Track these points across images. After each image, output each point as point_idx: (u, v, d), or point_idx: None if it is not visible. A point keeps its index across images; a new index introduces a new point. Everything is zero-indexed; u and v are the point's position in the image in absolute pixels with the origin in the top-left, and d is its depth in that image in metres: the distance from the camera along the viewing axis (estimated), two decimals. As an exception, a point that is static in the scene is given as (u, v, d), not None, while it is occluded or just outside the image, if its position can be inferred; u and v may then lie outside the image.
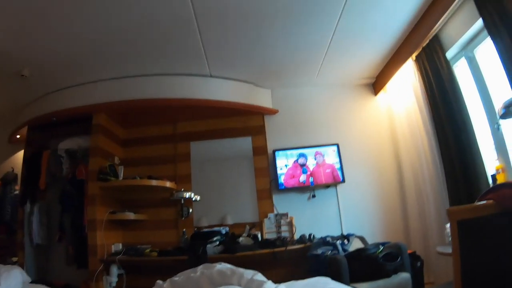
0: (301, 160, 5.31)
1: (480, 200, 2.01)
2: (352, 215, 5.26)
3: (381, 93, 5.71)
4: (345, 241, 4.55)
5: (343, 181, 5.25)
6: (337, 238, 4.65)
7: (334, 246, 4.27)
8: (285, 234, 5.04)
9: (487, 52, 3.67)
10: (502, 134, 3.56)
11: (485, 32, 3.33)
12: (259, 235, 4.86)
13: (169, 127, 5.66)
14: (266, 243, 4.57)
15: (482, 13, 3.19)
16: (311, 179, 5.22)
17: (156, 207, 5.28)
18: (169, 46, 4.44)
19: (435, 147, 4.32)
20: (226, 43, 4.46)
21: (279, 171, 5.27)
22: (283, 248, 4.42)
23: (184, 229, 4.96)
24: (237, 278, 2.13)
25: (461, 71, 4.12)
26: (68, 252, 5.02)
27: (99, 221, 4.63)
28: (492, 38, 3.14)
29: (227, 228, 4.93)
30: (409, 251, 4.07)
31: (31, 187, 5.23)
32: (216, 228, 4.88)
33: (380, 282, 3.56)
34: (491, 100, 3.68)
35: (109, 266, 4.59)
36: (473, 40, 3.82)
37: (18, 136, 5.91)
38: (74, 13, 3.60)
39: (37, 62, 4.48)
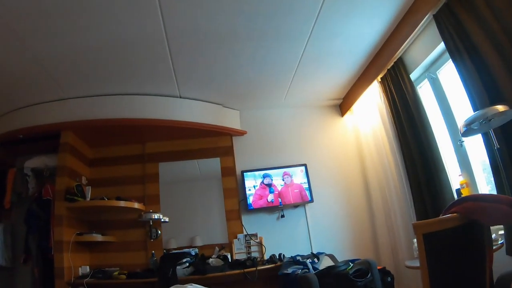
0: (266, 180, 5.35)
1: (445, 214, 2.08)
2: (322, 233, 5.31)
3: (348, 114, 5.86)
4: (315, 259, 4.59)
5: (312, 200, 5.32)
6: (307, 257, 4.69)
7: (304, 265, 4.30)
8: (255, 254, 5.04)
9: (449, 73, 3.86)
10: (465, 151, 3.74)
11: (447, 54, 3.48)
12: (229, 256, 4.84)
13: (137, 147, 5.60)
14: (236, 263, 4.55)
15: (444, 37, 3.35)
16: (279, 200, 5.25)
17: (124, 229, 5.18)
18: (139, 67, 4.44)
19: (400, 165, 4.46)
20: (196, 64, 4.50)
21: (247, 192, 5.29)
22: (253, 268, 4.41)
23: (153, 251, 4.88)
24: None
25: (424, 92, 4.32)
26: (34, 275, 4.86)
27: (66, 243, 4.49)
28: (453, 60, 3.29)
29: (197, 250, 4.90)
30: (379, 267, 4.12)
31: (-4, 206, 5.07)
32: (185, 250, 4.84)
33: (352, 298, 3.61)
34: (453, 119, 3.87)
35: (76, 289, 4.48)
36: (436, 62, 4.01)
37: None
38: (43, 30, 3.57)
39: (2, 79, 4.39)
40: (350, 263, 4.02)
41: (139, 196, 5.29)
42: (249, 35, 3.99)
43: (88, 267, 4.75)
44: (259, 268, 4.45)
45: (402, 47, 4.09)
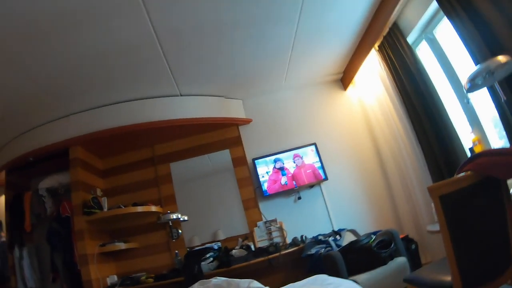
0: (278, 165, 5.34)
1: (459, 173, 2.05)
2: (340, 210, 5.29)
3: (350, 87, 5.81)
4: (337, 236, 4.60)
5: (326, 178, 5.30)
6: (329, 235, 4.71)
7: (327, 243, 4.31)
8: (277, 239, 5.05)
9: (446, 31, 3.79)
10: (472, 107, 3.68)
11: (441, 12, 3.42)
12: (252, 245, 4.85)
13: (147, 151, 5.61)
14: (260, 251, 4.58)
15: (436, -5, 3.29)
16: (293, 182, 5.25)
17: (145, 233, 5.22)
18: (136, 71, 4.43)
19: (410, 131, 4.42)
20: (190, 60, 4.48)
21: (261, 179, 5.29)
22: (277, 254, 4.44)
23: (177, 251, 4.93)
24: (234, 288, 2.13)
25: (424, 53, 4.23)
26: (64, 292, 4.94)
27: (90, 256, 4.55)
28: (449, 18, 3.23)
29: (219, 243, 4.93)
30: (401, 236, 4.14)
31: (17, 231, 5.11)
32: (208, 245, 4.87)
33: (378, 270, 3.62)
34: (457, 77, 3.81)
35: (107, 299, 4.53)
36: (431, 22, 3.94)
37: (-4, 181, 5.78)
38: (36, 51, 3.57)
39: (5, 104, 4.41)
40: (372, 236, 4.03)
41: (155, 199, 5.33)
42: (238, 23, 3.95)
43: (115, 276, 4.80)
44: (282, 252, 4.47)
45: (395, 11, 4.00)
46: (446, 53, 3.91)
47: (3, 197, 5.55)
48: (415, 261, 4.13)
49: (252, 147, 5.58)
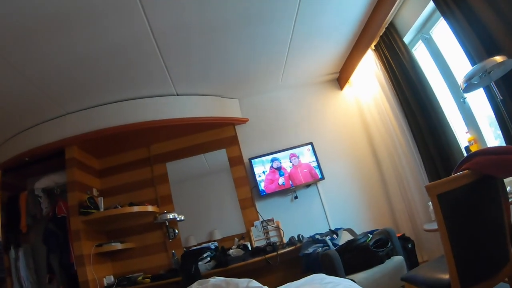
0: (275, 164, 5.35)
1: (456, 172, 2.06)
2: (337, 209, 5.31)
3: (347, 87, 5.82)
4: (334, 236, 4.61)
5: (323, 178, 5.31)
6: (326, 234, 4.72)
7: (324, 243, 4.32)
8: (274, 239, 5.06)
9: (443, 31, 3.82)
10: (469, 107, 3.72)
11: (438, 13, 3.45)
12: (249, 245, 4.86)
13: (143, 151, 5.60)
14: (257, 251, 4.58)
15: (432, -5, 3.31)
16: (290, 182, 5.25)
17: (142, 233, 5.21)
18: (132, 71, 4.43)
19: (406, 130, 4.46)
20: (187, 60, 4.48)
21: (258, 178, 5.29)
22: (274, 253, 4.44)
23: (174, 251, 4.93)
24: (232, 288, 2.13)
25: (420, 53, 4.26)
26: (60, 293, 4.93)
27: (87, 256, 4.53)
28: (445, 18, 3.26)
29: (216, 243, 4.93)
30: (398, 235, 4.15)
31: (13, 232, 5.07)
32: (204, 245, 4.87)
33: (375, 269, 3.63)
34: (453, 76, 3.84)
35: (104, 300, 4.52)
36: (428, 22, 3.97)
37: (-9, 182, 5.75)
38: (31, 50, 3.56)
39: (2, 102, 4.38)
40: (369, 235, 4.04)
41: (152, 198, 5.32)
42: (235, 22, 3.96)
43: (112, 276, 4.79)
44: (279, 252, 4.47)
45: (392, 11, 4.03)
46: (443, 53, 3.93)
47: (-2, 198, 5.53)
48: (412, 260, 4.14)
49: (248, 146, 5.58)
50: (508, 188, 2.24)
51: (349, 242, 3.96)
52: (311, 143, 5.47)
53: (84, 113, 4.92)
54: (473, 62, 3.05)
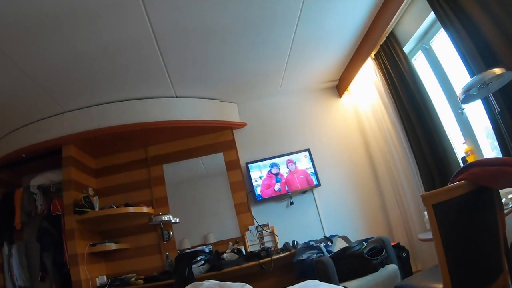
0: (274, 170, 5.35)
1: (452, 182, 2.07)
2: (332, 216, 5.32)
3: (346, 94, 5.83)
4: (329, 242, 4.61)
5: (319, 184, 5.31)
6: (321, 241, 4.72)
7: (319, 249, 4.32)
8: (268, 244, 5.05)
9: (442, 42, 3.84)
10: (466, 118, 3.74)
11: (438, 23, 3.46)
12: (243, 249, 4.85)
13: (140, 152, 5.59)
14: (251, 255, 4.57)
15: (434, 6, 3.33)
16: (286, 188, 5.26)
17: (136, 234, 5.20)
18: (132, 71, 4.43)
19: (403, 139, 4.47)
20: (187, 62, 4.49)
21: (254, 183, 5.29)
22: (268, 259, 4.44)
23: (168, 253, 4.92)
24: (226, 292, 2.13)
25: (419, 64, 4.28)
26: (52, 291, 4.91)
27: (80, 255, 4.51)
28: (445, 29, 3.27)
29: (210, 247, 4.91)
30: (393, 243, 4.16)
31: (7, 229, 5.06)
32: (199, 248, 4.85)
33: (369, 277, 3.64)
34: (451, 87, 3.86)
35: (96, 300, 4.50)
36: (428, 33, 3.99)
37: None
38: (31, 47, 3.55)
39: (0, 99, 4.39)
40: (364, 243, 4.04)
41: (147, 200, 5.31)
42: (237, 27, 3.98)
43: (105, 276, 4.77)
44: (274, 257, 4.47)
45: (392, 21, 4.05)
46: (442, 64, 3.95)
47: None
48: (406, 269, 4.15)
49: (245, 151, 5.59)
50: (503, 200, 2.25)
51: (343, 249, 3.96)
52: (308, 150, 5.47)
53: (82, 111, 4.91)
54: (471, 74, 3.07)
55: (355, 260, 3.73)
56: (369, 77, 4.96)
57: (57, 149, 4.88)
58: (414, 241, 4.67)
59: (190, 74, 4.79)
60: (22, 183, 5.31)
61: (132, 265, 5.06)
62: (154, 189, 5.40)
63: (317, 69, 5.40)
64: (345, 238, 4.82)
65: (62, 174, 4.83)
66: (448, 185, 2.04)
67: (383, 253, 3.81)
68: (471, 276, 2.03)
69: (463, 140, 3.79)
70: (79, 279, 4.40)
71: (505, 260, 2.12)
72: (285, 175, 5.33)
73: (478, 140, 3.65)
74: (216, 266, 4.36)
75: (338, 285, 3.36)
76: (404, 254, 4.27)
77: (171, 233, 5.13)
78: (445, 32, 3.32)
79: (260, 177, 5.31)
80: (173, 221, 5.02)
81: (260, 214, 5.27)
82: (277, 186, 5.27)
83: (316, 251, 4.31)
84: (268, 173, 5.33)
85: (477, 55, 2.98)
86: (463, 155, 3.67)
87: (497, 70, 2.62)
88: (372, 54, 4.70)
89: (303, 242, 4.72)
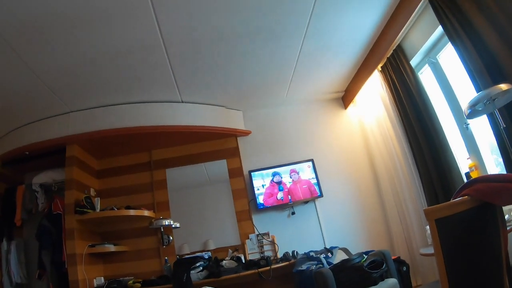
0: (276, 179, 5.34)
1: (455, 197, 2.05)
2: (334, 227, 5.29)
3: (351, 106, 5.83)
4: (329, 254, 4.59)
5: (321, 195, 5.29)
6: (321, 252, 4.69)
7: (319, 260, 4.29)
8: (268, 253, 5.03)
9: (449, 56, 3.84)
10: (471, 133, 3.72)
11: (446, 37, 3.46)
12: (243, 257, 4.83)
13: (143, 155, 5.60)
14: (250, 264, 4.55)
15: (442, 20, 3.32)
16: (289, 197, 5.23)
17: (136, 237, 5.19)
18: (139, 75, 4.45)
19: (408, 153, 4.45)
20: (195, 68, 4.51)
21: (256, 192, 5.28)
22: (267, 268, 4.41)
23: (166, 257, 4.90)
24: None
25: (426, 77, 4.28)
26: (49, 290, 4.89)
27: (79, 256, 4.50)
28: (452, 43, 3.27)
29: (210, 253, 4.90)
30: (393, 257, 4.13)
31: (7, 224, 5.07)
32: (198, 254, 4.84)
33: (369, 290, 3.60)
34: (457, 102, 3.85)
35: (92, 301, 4.48)
36: (435, 47, 3.99)
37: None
38: (40, 45, 3.58)
39: (7, 97, 4.40)
40: (364, 255, 4.01)
41: (149, 203, 5.30)
42: (245, 35, 4.00)
43: (102, 278, 4.75)
44: (273, 266, 4.44)
45: (400, 34, 4.06)
46: (448, 78, 3.94)
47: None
48: (405, 283, 4.11)
49: (249, 159, 5.59)
50: (506, 216, 2.22)
51: (343, 261, 3.93)
52: (311, 160, 5.47)
53: (88, 112, 4.93)
54: (478, 89, 3.06)
55: (355, 272, 3.70)
56: (375, 90, 4.95)
57: (60, 148, 4.89)
58: (415, 256, 4.63)
59: (197, 80, 4.80)
60: (24, 180, 5.31)
61: (130, 268, 5.04)
62: (156, 193, 5.39)
63: (323, 80, 5.40)
64: (345, 250, 4.79)
65: (64, 174, 4.84)
66: (451, 200, 2.03)
67: (383, 266, 3.78)
68: (471, 292, 2.01)
69: (467, 155, 3.78)
70: (76, 279, 4.38)
71: (506, 278, 2.09)
72: (288, 185, 5.31)
73: (482, 155, 3.63)
74: (214, 273, 4.33)
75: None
76: (405, 268, 4.23)
77: (171, 237, 5.12)
78: (452, 47, 3.32)
79: (262, 186, 5.31)
80: (173, 226, 5.01)
81: (260, 223, 5.25)
82: (279, 195, 5.25)
83: (316, 262, 4.28)
84: (271, 182, 5.31)
85: (484, 70, 2.97)
86: (467, 170, 3.66)
87: (504, 86, 2.61)
88: (379, 67, 4.70)
89: (303, 253, 4.70)
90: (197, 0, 3.35)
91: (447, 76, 3.96)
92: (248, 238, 5.12)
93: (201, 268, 4.47)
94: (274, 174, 5.36)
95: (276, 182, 5.31)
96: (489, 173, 3.54)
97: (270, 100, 5.76)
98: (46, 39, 3.48)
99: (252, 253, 5.04)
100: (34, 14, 3.13)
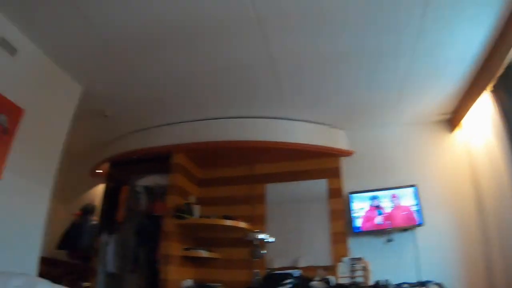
0: (374, 203, 5.16)
1: None
2: (431, 260, 4.93)
3: (457, 129, 5.47)
4: (423, 288, 4.34)
5: (422, 224, 5.01)
6: (414, 285, 4.45)
7: (411, 293, 4.09)
8: (359, 279, 4.85)
9: None
10: None
11: None
12: (333, 279, 4.70)
13: (245, 169, 5.73)
14: (339, 287, 4.42)
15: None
16: (388, 222, 5.03)
17: (229, 246, 5.31)
18: (247, 90, 4.61)
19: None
20: (302, 86, 4.55)
21: (354, 214, 5.15)
22: (357, 294, 4.26)
23: (257, 270, 4.90)
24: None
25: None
26: (140, 284, 5.11)
27: (173, 257, 4.72)
28: None
29: (300, 271, 4.83)
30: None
31: (109, 219, 5.47)
32: (289, 271, 4.79)
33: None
34: None
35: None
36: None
37: (99, 171, 6.21)
38: (158, 57, 3.87)
39: (121, 104, 4.78)
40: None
41: (246, 215, 5.36)
42: (352, 56, 3.96)
43: (190, 281, 4.92)
44: (362, 293, 4.28)
45: None
46: None
47: (101, 186, 5.99)
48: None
49: (350, 180, 5.47)
50: None
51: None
52: (414, 186, 5.18)
53: (195, 123, 5.22)
54: None
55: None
56: (484, 112, 4.57)
57: (166, 156, 5.17)
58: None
59: (302, 98, 4.83)
60: (129, 181, 5.66)
61: (219, 275, 5.17)
62: (254, 206, 5.48)
63: (429, 100, 5.12)
64: (440, 286, 4.49)
65: (168, 179, 5.09)
66: None
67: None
68: None
69: None
70: (167, 278, 4.59)
71: None
72: (388, 210, 5.11)
73: None
74: (303, 292, 4.27)
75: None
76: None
77: (264, 251, 5.11)
78: None
79: (361, 209, 5.16)
80: (268, 240, 5.00)
81: (355, 247, 5.11)
82: (378, 219, 5.07)
83: (407, 295, 4.09)
84: (370, 206, 5.15)
85: None
86: None
87: None
88: (490, 87, 4.31)
89: (395, 283, 4.49)
90: (307, 24, 3.43)
91: None
92: (340, 260, 4.96)
93: (290, 286, 4.41)
94: (372, 198, 5.18)
95: (375, 206, 5.13)
96: None
97: (375, 121, 5.62)
98: (158, 52, 3.83)
99: (342, 276, 4.87)
100: (147, 29, 3.46)
